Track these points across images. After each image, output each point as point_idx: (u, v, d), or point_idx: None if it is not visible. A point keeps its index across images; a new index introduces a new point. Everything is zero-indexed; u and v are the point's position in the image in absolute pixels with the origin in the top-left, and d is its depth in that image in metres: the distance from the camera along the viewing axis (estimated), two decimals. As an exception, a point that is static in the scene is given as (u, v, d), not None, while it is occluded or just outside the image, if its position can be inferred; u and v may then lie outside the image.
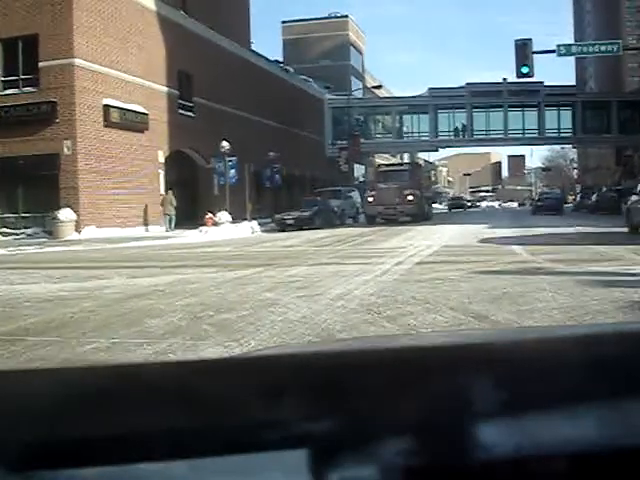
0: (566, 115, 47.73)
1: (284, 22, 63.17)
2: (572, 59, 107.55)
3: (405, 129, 49.50)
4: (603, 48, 20.14)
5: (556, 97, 47.05)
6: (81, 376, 0.55)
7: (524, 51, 18.76)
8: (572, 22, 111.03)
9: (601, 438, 0.47)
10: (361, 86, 57.34)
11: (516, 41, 18.85)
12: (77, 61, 21.28)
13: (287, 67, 44.24)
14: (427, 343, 0.96)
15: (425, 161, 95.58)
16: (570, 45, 20.73)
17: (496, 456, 0.45)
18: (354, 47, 62.65)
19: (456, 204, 60.24)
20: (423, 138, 48.90)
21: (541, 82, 46.20)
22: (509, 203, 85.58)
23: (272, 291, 6.80)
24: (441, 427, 0.47)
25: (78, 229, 20.76)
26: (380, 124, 50.61)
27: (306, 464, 0.43)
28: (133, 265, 10.88)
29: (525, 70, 18.97)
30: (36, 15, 21.20)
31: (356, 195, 33.41)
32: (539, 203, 34.52)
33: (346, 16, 62.43)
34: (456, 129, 48.03)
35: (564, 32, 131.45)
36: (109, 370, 0.58)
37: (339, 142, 43.89)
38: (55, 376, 0.55)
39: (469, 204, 70.06)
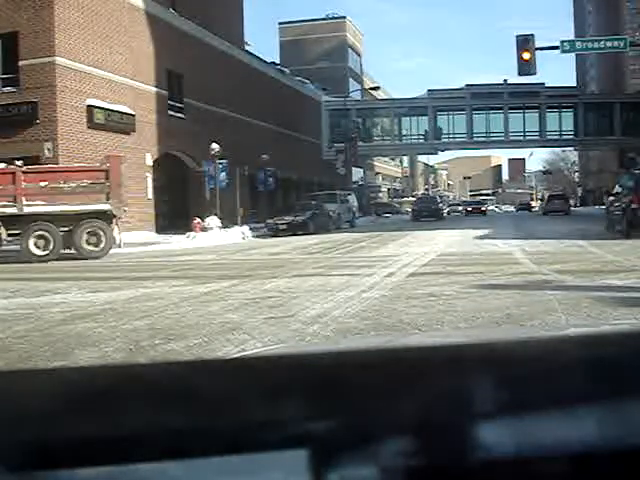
0: (568, 117, 46.80)
1: (281, 23, 62.36)
2: (573, 64, 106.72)
3: (404, 131, 48.59)
4: (609, 44, 19.10)
5: (557, 99, 46.09)
6: (81, 376, 0.54)
7: (526, 47, 17.78)
8: (572, 27, 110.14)
9: (601, 438, 0.47)
10: (359, 88, 56.38)
11: (517, 36, 17.86)
12: (59, 59, 20.30)
13: (283, 68, 43.28)
14: (427, 343, 1.02)
15: (425, 164, 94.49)
16: (574, 41, 19.73)
17: (496, 456, 0.45)
18: (352, 49, 61.75)
19: (424, 210, 34.65)
20: (422, 140, 48.01)
21: (542, 83, 45.32)
22: (508, 207, 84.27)
23: (238, 311, 5.87)
24: (441, 427, 0.46)
25: (59, 235, 19.77)
26: (379, 126, 49.67)
27: (306, 464, 0.44)
28: (99, 276, 9.95)
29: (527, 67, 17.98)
30: (16, 11, 20.21)
31: (353, 199, 32.81)
32: (520, 206, 61.23)
33: (344, 17, 61.54)
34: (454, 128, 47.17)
35: (565, 37, 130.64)
36: (109, 370, 0.57)
37: (336, 145, 42.93)
38: (55, 376, 0.55)
39: (460, 208, 49.44)
